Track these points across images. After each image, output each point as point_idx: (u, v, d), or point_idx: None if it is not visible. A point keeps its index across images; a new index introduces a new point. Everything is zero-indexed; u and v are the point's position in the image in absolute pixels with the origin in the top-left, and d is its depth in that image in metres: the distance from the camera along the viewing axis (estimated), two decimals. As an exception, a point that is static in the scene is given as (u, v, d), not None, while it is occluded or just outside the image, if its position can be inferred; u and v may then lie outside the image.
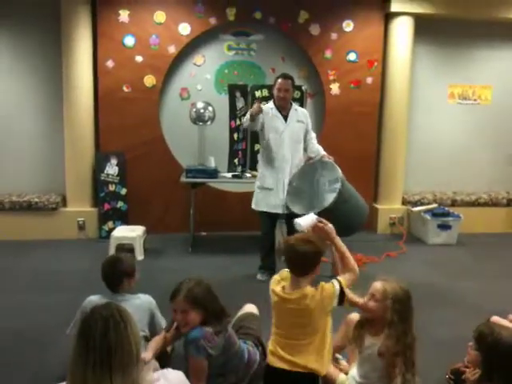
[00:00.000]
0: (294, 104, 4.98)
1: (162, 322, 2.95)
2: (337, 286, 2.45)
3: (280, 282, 2.57)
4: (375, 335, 2.55)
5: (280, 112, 4.84)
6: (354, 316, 2.82)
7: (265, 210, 4.85)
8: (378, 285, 2.56)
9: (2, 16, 6.09)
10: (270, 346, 2.55)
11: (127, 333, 1.61)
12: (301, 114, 4.92)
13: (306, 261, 2.45)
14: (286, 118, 4.84)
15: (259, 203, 4.88)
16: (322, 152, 4.93)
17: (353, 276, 2.56)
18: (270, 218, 4.90)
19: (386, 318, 2.46)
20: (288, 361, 2.46)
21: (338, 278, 2.51)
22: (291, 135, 4.82)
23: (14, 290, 4.53)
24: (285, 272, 2.60)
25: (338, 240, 2.68)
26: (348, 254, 2.62)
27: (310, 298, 2.41)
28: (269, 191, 4.83)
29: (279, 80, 4.79)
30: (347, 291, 2.48)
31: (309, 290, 2.44)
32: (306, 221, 2.80)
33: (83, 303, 2.89)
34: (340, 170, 4.57)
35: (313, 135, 5.04)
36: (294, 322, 2.46)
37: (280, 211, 4.80)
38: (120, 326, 1.61)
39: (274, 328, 2.56)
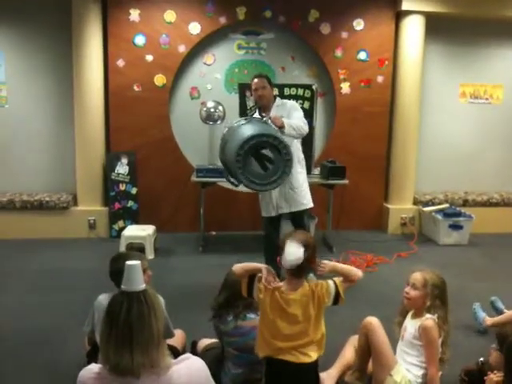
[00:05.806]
0: (278, 100, 4.66)
1: (170, 325, 2.79)
2: (332, 285, 2.52)
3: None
4: (415, 318, 2.85)
5: (261, 114, 4.54)
6: (371, 319, 2.96)
7: (264, 215, 4.70)
8: (417, 275, 2.85)
9: (12, 17, 6.12)
10: (269, 340, 2.49)
11: (150, 316, 1.70)
12: (281, 109, 4.55)
13: (307, 264, 2.51)
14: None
15: (262, 208, 4.74)
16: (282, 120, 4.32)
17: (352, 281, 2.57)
18: (271, 220, 4.71)
19: (425, 304, 2.78)
20: (293, 354, 2.47)
21: (334, 279, 2.55)
22: None
23: (25, 289, 4.54)
24: None
25: (335, 265, 2.62)
26: (348, 270, 2.58)
27: (312, 292, 2.49)
28: (263, 195, 4.68)
29: (254, 80, 4.56)
30: (341, 290, 2.51)
31: (307, 285, 2.51)
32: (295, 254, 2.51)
33: (95, 302, 2.83)
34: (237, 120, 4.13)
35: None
36: (297, 321, 2.47)
37: (273, 214, 4.63)
38: (143, 309, 1.70)
39: (267, 331, 2.50)
